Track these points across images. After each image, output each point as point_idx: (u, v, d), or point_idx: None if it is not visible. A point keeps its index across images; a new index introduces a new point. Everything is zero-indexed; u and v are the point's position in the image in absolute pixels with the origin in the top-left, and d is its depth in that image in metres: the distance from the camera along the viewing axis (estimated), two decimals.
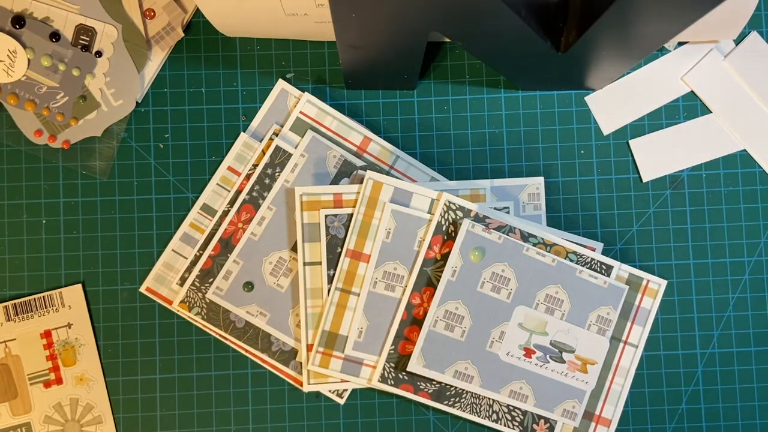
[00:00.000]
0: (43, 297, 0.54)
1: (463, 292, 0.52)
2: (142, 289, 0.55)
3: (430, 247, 0.53)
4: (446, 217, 0.53)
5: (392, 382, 0.52)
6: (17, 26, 0.52)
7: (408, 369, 0.52)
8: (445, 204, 0.53)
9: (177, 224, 0.55)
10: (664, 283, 0.54)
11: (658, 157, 0.56)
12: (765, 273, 0.56)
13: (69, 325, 0.54)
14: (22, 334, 0.54)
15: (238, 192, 0.54)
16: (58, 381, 0.54)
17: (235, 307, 0.54)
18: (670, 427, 0.55)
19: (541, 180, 0.55)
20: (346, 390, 0.54)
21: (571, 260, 0.53)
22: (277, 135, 0.55)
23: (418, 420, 0.55)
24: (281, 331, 0.54)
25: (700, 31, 0.53)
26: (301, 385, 0.54)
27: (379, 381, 0.52)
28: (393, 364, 0.52)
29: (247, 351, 0.54)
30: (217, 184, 0.55)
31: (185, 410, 0.55)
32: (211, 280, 0.54)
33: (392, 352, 0.52)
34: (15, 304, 0.54)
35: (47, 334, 0.54)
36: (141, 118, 0.56)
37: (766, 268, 0.56)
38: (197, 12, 0.56)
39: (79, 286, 0.54)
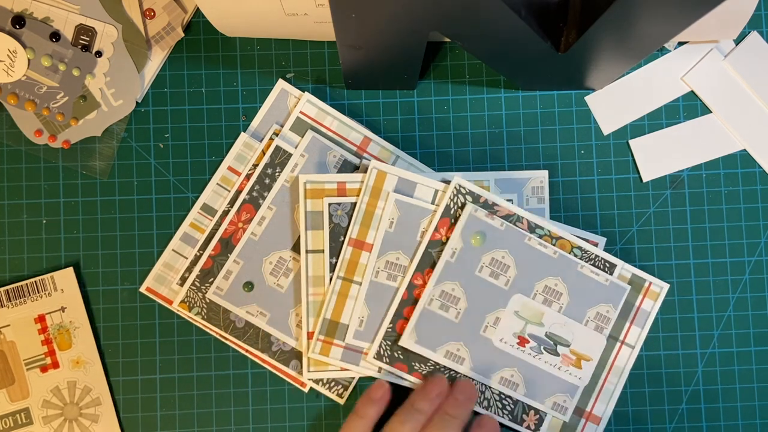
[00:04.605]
0: (35, 282, 0.54)
1: (461, 274, 0.52)
2: (142, 289, 0.55)
3: (437, 230, 0.52)
4: (455, 201, 0.52)
5: (387, 360, 0.52)
6: (17, 26, 0.52)
7: (399, 343, 0.51)
8: (455, 187, 0.52)
9: (177, 224, 0.55)
10: (666, 286, 0.54)
11: (658, 157, 0.56)
12: (765, 273, 0.56)
13: (62, 309, 0.54)
14: (16, 320, 0.54)
15: (238, 192, 0.54)
16: (55, 365, 0.54)
17: (235, 307, 0.54)
18: (670, 427, 0.55)
19: (545, 173, 0.55)
20: (347, 390, 0.54)
21: (576, 255, 0.53)
22: (277, 135, 0.55)
23: None
24: (281, 331, 0.54)
25: (700, 31, 0.53)
26: (302, 386, 0.54)
27: (374, 358, 0.52)
28: (390, 342, 0.52)
29: (247, 351, 0.54)
30: (217, 184, 0.55)
31: (185, 410, 0.55)
32: (211, 280, 0.54)
33: (390, 330, 0.52)
34: (7, 290, 0.54)
35: (41, 319, 0.54)
36: (141, 118, 0.56)
37: (766, 268, 0.56)
38: (197, 12, 0.56)
39: (71, 269, 0.54)
